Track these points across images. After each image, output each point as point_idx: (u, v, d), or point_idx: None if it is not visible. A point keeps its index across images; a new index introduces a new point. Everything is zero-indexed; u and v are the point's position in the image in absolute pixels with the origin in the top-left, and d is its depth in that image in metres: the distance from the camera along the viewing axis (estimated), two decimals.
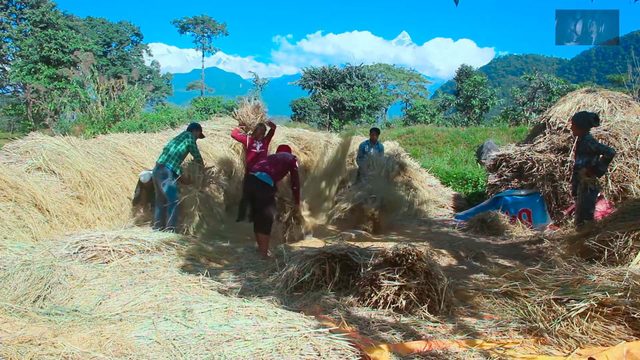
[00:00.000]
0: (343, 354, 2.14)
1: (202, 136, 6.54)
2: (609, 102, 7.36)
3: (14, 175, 5.24)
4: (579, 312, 2.59)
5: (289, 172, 5.32)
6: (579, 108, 7.27)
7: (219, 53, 55.78)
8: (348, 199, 6.86)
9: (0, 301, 2.91)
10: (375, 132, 8.10)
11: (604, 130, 6.78)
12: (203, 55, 49.91)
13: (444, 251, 5.00)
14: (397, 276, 3.07)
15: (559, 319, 2.60)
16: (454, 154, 13.68)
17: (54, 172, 5.80)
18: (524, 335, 2.60)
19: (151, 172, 6.19)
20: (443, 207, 9.09)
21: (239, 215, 7.01)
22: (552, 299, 2.77)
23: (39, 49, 24.06)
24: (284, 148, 5.88)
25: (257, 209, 4.93)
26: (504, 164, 7.70)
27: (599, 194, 5.61)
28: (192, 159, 6.31)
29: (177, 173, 5.89)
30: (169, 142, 6.09)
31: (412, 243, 3.94)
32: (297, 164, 5.39)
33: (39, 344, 2.17)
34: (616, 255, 3.48)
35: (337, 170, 8.34)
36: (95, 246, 4.11)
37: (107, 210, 6.01)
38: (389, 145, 9.80)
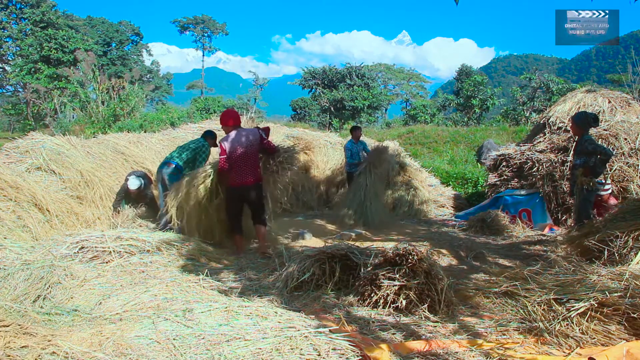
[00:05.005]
0: (343, 354, 2.14)
1: (214, 145, 5.78)
2: (609, 102, 7.36)
3: (14, 175, 5.24)
4: (579, 312, 2.59)
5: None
6: (579, 108, 7.27)
7: (219, 53, 55.89)
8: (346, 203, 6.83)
9: (0, 301, 2.91)
10: (356, 129, 8.12)
11: (604, 130, 6.78)
12: (203, 55, 49.97)
13: (444, 251, 4.99)
14: (397, 276, 3.07)
15: (559, 319, 2.60)
16: (454, 154, 13.68)
17: (54, 171, 5.80)
18: (524, 335, 2.60)
19: (140, 178, 5.83)
20: (443, 207, 9.08)
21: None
22: (552, 299, 2.77)
23: (39, 49, 24.03)
24: (229, 118, 4.84)
25: (255, 205, 4.88)
26: (504, 163, 7.70)
27: (602, 192, 5.62)
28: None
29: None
30: (182, 147, 5.73)
31: (412, 243, 3.95)
32: (263, 133, 4.87)
33: (39, 344, 2.17)
34: (616, 255, 3.48)
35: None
36: (95, 246, 4.12)
37: (107, 210, 6.01)
38: (389, 145, 9.78)
